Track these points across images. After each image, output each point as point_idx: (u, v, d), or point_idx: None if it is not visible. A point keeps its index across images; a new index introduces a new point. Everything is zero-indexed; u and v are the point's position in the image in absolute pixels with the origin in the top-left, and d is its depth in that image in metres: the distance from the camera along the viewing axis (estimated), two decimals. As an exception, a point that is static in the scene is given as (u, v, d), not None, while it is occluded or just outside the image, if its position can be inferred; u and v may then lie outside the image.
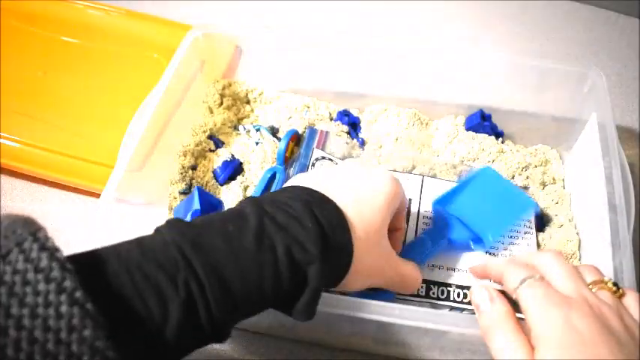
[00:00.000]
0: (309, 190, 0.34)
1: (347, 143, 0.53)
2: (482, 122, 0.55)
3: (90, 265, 0.27)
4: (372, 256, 0.35)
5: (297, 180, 0.36)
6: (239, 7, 0.70)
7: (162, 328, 0.26)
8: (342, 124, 0.55)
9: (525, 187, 0.52)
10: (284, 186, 0.36)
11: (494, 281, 0.37)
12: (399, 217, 0.40)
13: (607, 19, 0.72)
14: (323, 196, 0.34)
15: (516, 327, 0.31)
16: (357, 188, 0.36)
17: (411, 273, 0.39)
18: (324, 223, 0.32)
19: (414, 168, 0.52)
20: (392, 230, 0.39)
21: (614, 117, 0.47)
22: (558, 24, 0.71)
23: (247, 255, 0.29)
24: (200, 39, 0.52)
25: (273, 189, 0.49)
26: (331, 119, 0.57)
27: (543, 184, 0.53)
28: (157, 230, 0.30)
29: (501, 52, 0.52)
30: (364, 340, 0.44)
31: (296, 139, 0.53)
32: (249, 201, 0.33)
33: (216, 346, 0.46)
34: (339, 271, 0.33)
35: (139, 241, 0.29)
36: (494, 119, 0.56)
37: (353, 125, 0.56)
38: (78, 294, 0.23)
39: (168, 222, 0.30)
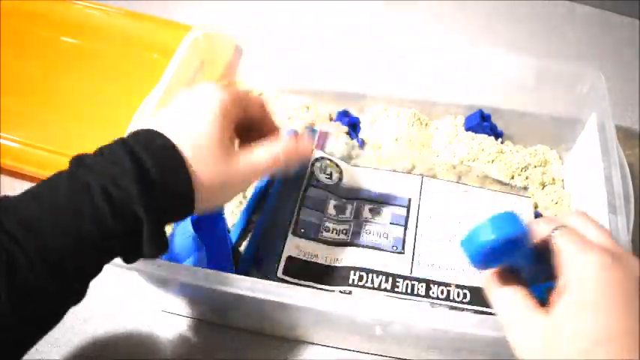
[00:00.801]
0: (138, 132, 0.34)
1: (347, 144, 0.53)
2: (481, 122, 0.55)
3: None
4: (216, 174, 0.34)
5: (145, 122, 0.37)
6: (239, 7, 0.70)
7: None
8: (342, 124, 0.55)
9: (525, 188, 0.52)
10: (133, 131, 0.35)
11: None
12: (263, 120, 0.40)
13: (607, 19, 0.72)
14: (155, 134, 0.33)
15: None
16: (184, 116, 0.35)
17: (259, 162, 0.37)
18: (147, 161, 0.31)
19: (413, 168, 0.52)
20: (264, 135, 0.39)
21: (613, 117, 0.47)
22: (558, 24, 0.71)
23: (61, 208, 0.29)
24: (200, 39, 0.52)
25: (271, 190, 0.49)
26: (331, 119, 0.57)
27: (543, 185, 0.53)
28: None
29: (501, 52, 0.52)
30: (364, 340, 0.44)
31: (296, 139, 0.53)
32: (73, 160, 0.32)
33: (210, 344, 0.46)
34: (180, 202, 0.33)
35: None
36: (494, 119, 0.56)
37: (353, 125, 0.56)
38: None
39: None
